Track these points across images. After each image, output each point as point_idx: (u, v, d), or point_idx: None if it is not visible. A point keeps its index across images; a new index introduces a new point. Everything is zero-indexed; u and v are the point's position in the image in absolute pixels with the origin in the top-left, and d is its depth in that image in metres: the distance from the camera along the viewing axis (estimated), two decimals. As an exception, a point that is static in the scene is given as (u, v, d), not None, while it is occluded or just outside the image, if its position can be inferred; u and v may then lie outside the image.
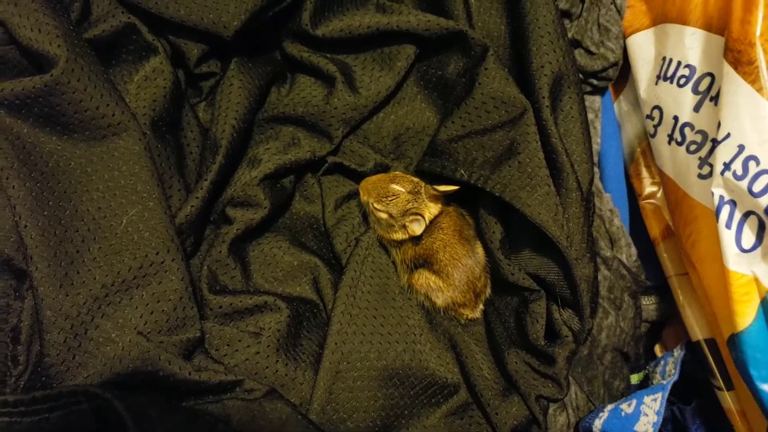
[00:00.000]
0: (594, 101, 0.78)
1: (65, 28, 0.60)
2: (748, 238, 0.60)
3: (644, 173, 0.78)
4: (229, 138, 0.67)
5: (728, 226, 0.60)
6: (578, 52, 0.74)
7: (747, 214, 0.60)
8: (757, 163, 0.58)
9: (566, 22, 0.75)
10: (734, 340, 0.61)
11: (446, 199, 0.69)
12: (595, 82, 0.76)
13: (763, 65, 0.58)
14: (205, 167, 0.66)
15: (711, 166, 0.64)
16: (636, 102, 0.77)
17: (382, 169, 0.74)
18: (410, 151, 0.75)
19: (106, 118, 0.60)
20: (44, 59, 0.59)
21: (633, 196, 0.80)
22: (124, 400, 0.48)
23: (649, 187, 0.77)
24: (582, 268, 0.62)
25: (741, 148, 0.59)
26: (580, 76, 0.75)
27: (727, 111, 0.60)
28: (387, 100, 0.73)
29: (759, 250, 0.59)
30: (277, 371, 0.61)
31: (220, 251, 0.65)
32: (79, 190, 0.60)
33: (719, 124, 0.60)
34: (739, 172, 0.59)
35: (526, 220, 0.62)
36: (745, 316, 0.60)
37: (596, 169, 0.78)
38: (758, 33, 0.58)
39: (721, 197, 0.61)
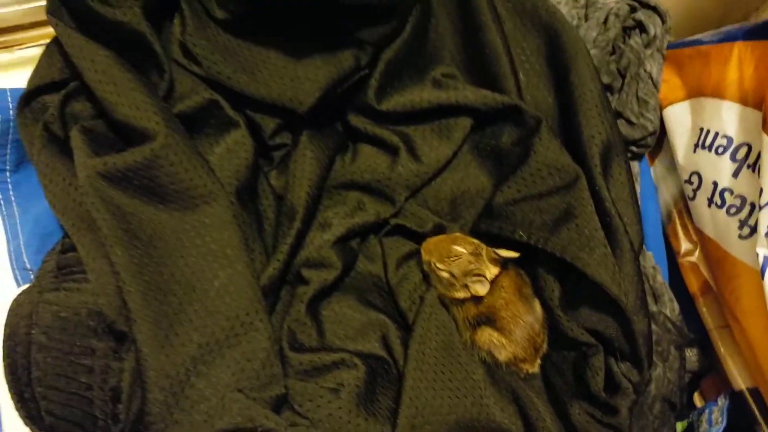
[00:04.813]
0: (633, 166, 0.84)
1: (160, 105, 0.66)
2: (794, 294, 0.65)
3: (680, 233, 0.83)
4: (305, 204, 0.71)
5: (774, 283, 0.65)
6: (620, 123, 0.81)
7: (792, 273, 0.65)
8: (801, 225, 0.63)
9: (608, 95, 0.82)
10: (781, 388, 0.66)
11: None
12: (634, 149, 0.83)
13: (800, 135, 0.64)
14: (281, 232, 0.71)
15: (750, 227, 0.69)
16: (671, 166, 0.83)
17: (440, 229, 0.78)
18: (465, 213, 0.79)
19: (199, 188, 0.65)
20: (141, 134, 0.64)
21: (671, 254, 0.85)
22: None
23: (686, 245, 0.82)
24: (638, 323, 0.66)
25: (784, 211, 0.64)
26: (623, 144, 0.82)
27: (769, 178, 0.66)
28: (444, 166, 0.79)
29: (804, 305, 0.65)
30: (359, 425, 0.64)
31: (299, 310, 0.69)
32: (174, 255, 0.64)
33: (761, 191, 0.66)
34: (784, 234, 0.64)
35: (584, 280, 0.66)
36: (793, 365, 0.64)
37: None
38: (794, 105, 0.64)
39: (766, 257, 0.66)
